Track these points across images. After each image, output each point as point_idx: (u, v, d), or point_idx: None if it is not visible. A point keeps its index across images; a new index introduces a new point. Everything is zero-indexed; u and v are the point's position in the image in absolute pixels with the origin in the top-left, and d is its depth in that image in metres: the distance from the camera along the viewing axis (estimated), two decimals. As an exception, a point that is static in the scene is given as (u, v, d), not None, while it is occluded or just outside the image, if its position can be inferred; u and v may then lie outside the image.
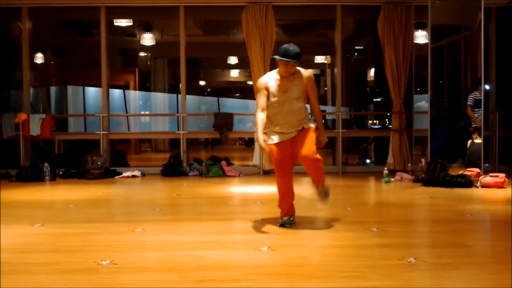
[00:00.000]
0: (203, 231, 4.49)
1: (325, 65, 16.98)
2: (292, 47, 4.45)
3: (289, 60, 4.42)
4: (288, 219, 4.70)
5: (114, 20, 11.09)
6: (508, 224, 4.74)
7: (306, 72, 4.61)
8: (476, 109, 8.51)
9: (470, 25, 9.27)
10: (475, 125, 8.51)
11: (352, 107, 15.19)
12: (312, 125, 4.65)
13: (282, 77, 4.55)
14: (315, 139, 4.61)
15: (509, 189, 6.96)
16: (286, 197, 4.73)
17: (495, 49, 9.68)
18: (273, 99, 4.55)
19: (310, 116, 4.79)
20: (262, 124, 4.51)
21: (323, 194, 4.71)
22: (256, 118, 4.54)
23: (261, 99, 4.55)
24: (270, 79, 4.58)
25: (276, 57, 4.49)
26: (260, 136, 4.48)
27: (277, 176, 4.70)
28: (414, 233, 4.76)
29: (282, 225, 4.64)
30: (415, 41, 9.25)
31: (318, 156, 4.55)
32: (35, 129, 9.12)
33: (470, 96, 8.64)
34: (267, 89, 4.55)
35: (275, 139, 4.60)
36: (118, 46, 13.70)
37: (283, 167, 4.62)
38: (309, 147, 4.51)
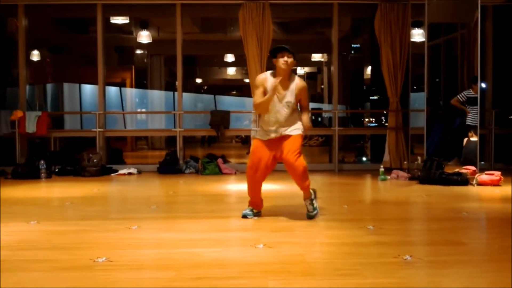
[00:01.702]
0: (199, 229, 4.50)
1: (321, 63, 17.00)
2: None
3: (282, 47, 4.67)
4: (251, 210, 4.90)
5: (111, 18, 11.07)
6: (504, 222, 4.76)
7: (300, 82, 4.84)
8: (471, 107, 8.54)
9: (467, 23, 9.28)
10: (469, 123, 8.54)
11: (348, 105, 15.19)
12: (299, 132, 4.81)
13: (279, 76, 4.71)
14: (301, 137, 4.83)
15: (505, 187, 6.98)
16: (251, 189, 4.91)
17: (491, 47, 9.68)
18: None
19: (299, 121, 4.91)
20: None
21: (312, 209, 4.87)
22: (257, 102, 4.77)
23: (258, 95, 4.78)
24: (269, 79, 4.77)
25: (271, 54, 4.76)
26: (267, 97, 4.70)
27: (248, 169, 4.87)
28: (410, 231, 4.77)
29: (244, 216, 4.86)
30: (411, 39, 9.27)
31: (300, 160, 4.70)
32: (31, 126, 9.10)
33: (464, 92, 8.69)
34: (264, 86, 4.75)
35: (260, 135, 4.86)
36: (114, 44, 13.67)
37: (258, 165, 4.79)
38: (290, 147, 4.71)
